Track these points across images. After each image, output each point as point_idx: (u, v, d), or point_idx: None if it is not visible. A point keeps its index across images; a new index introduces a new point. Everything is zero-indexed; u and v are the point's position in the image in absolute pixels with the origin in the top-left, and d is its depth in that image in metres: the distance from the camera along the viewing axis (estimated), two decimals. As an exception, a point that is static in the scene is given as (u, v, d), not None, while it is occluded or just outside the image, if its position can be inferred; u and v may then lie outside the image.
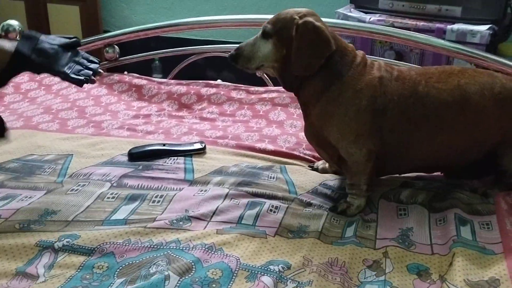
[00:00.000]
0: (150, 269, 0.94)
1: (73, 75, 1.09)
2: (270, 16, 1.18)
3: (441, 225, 1.13)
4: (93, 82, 1.14)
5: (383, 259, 1.03)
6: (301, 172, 1.34)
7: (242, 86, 1.82)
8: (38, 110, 1.67)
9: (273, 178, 1.28)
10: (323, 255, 1.03)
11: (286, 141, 1.49)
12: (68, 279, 0.93)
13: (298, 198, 1.20)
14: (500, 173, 1.23)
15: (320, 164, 1.38)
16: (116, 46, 1.98)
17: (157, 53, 2.06)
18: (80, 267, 0.96)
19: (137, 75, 1.96)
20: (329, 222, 1.14)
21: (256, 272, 0.95)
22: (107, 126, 1.57)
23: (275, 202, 1.17)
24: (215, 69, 3.13)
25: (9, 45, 1.08)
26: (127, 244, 1.01)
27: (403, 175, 1.32)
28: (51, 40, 1.11)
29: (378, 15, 2.36)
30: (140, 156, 1.36)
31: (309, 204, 1.19)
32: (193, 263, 0.96)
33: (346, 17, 2.36)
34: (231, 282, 0.92)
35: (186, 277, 0.92)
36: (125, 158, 1.37)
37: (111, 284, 0.91)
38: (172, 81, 1.90)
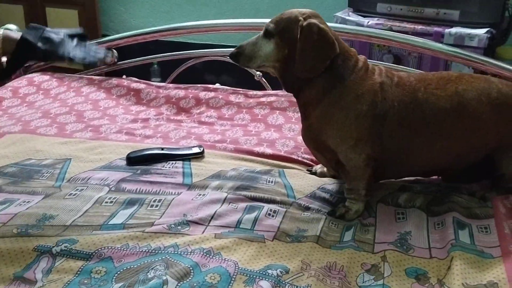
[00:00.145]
0: (148, 273, 0.94)
1: (78, 60, 1.10)
2: (268, 20, 1.18)
3: (439, 228, 1.13)
4: (97, 65, 1.15)
5: (381, 263, 1.03)
6: (299, 176, 1.34)
7: (240, 90, 1.82)
8: (36, 114, 1.67)
9: (272, 182, 1.28)
10: (322, 259, 1.03)
11: (284, 145, 1.49)
12: (66, 284, 0.93)
13: (297, 202, 1.20)
14: (497, 177, 1.23)
15: (318, 168, 1.38)
16: (114, 50, 1.99)
17: (156, 57, 2.06)
18: (78, 272, 0.95)
19: (136, 79, 1.96)
20: (328, 226, 1.14)
21: (254, 276, 0.95)
22: (105, 130, 1.57)
23: (274, 206, 1.17)
24: (214, 73, 3.13)
25: (15, 34, 1.09)
26: (125, 249, 1.00)
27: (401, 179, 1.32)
28: (56, 30, 1.12)
29: (376, 18, 2.37)
30: (138, 161, 1.36)
31: (307, 208, 1.19)
32: (191, 268, 0.95)
33: (344, 21, 2.37)
34: (229, 287, 0.92)
35: (184, 281, 0.92)
36: (123, 163, 1.36)
37: (109, 289, 0.91)
38: (171, 85, 1.90)
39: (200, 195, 1.21)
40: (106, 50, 1.17)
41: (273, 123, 1.63)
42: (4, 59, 1.73)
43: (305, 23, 1.12)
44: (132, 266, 0.97)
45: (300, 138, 1.47)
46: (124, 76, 2.00)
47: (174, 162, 1.37)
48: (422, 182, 1.31)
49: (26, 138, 1.50)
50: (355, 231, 1.13)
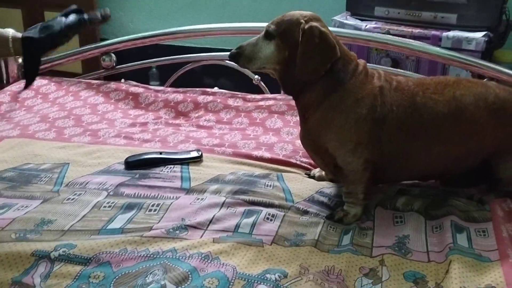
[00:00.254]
0: (146, 278, 0.94)
1: (71, 22, 1.13)
2: (266, 24, 1.18)
3: (437, 232, 1.13)
4: (98, 21, 1.16)
5: (379, 267, 1.04)
6: (297, 179, 1.34)
7: (238, 94, 1.83)
8: (34, 118, 1.67)
9: (270, 186, 1.28)
10: (320, 263, 1.03)
11: (282, 149, 1.49)
12: (64, 289, 0.93)
13: (295, 206, 1.21)
14: (495, 181, 1.23)
15: (316, 171, 1.38)
16: (112, 55, 1.99)
17: (154, 61, 2.06)
18: (77, 277, 0.95)
19: (134, 82, 1.96)
20: (326, 230, 1.14)
21: (252, 281, 0.95)
22: (104, 135, 1.57)
23: (272, 210, 1.17)
24: (212, 76, 3.13)
25: (17, 35, 1.13)
26: (123, 254, 1.00)
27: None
28: (51, 19, 1.16)
29: (374, 22, 2.37)
30: (137, 165, 1.36)
31: (305, 212, 1.19)
32: (189, 272, 0.95)
33: (342, 25, 2.37)
34: (228, 291, 0.92)
35: (183, 286, 0.92)
36: (122, 167, 1.36)
37: (107, 294, 0.91)
38: (169, 89, 1.90)
39: (198, 199, 1.21)
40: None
41: (272, 127, 1.64)
42: (19, 60, 1.74)
43: (306, 26, 1.12)
44: (130, 271, 0.97)
45: (298, 142, 1.47)
46: (122, 80, 2.00)
47: (172, 166, 1.37)
48: (420, 186, 1.31)
49: (25, 143, 1.50)
50: (353, 235, 1.13)
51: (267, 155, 1.45)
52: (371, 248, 1.09)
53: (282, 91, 1.84)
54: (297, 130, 1.56)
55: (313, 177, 1.37)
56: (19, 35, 1.13)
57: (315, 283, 0.96)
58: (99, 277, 0.95)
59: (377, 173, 1.19)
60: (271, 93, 1.91)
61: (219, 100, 1.78)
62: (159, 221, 1.12)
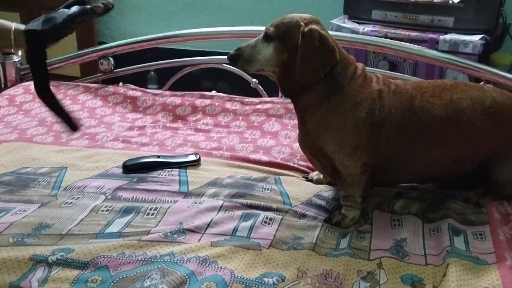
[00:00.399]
0: (144, 282, 0.94)
1: (74, 12, 1.12)
2: (264, 28, 1.18)
3: (434, 235, 1.13)
4: (101, 10, 1.16)
5: (377, 270, 1.04)
6: (295, 183, 1.34)
7: (236, 97, 1.83)
8: (32, 122, 1.67)
9: (268, 189, 1.28)
10: (318, 266, 1.03)
11: (280, 152, 1.50)
12: (62, 293, 0.93)
13: (293, 210, 1.21)
14: (492, 184, 1.24)
15: (314, 175, 1.39)
16: (111, 58, 1.99)
17: (152, 64, 2.07)
18: (74, 281, 0.95)
19: (132, 86, 1.97)
20: (324, 233, 1.14)
21: (250, 285, 0.95)
22: (102, 138, 1.57)
23: (270, 214, 1.17)
24: (211, 79, 3.14)
25: (23, 27, 1.12)
26: (121, 258, 1.00)
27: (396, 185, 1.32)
28: (54, 11, 1.16)
29: (372, 25, 2.38)
30: (135, 168, 1.36)
31: (303, 216, 1.20)
32: (187, 276, 0.95)
33: (340, 28, 2.38)
34: (226, 295, 0.92)
35: (180, 290, 0.92)
36: (120, 171, 1.37)
37: (105, 298, 0.91)
38: (167, 92, 1.91)
39: (196, 203, 1.21)
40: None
41: (269, 130, 1.64)
42: (19, 53, 1.73)
43: (306, 29, 1.12)
44: (128, 275, 0.96)
45: (296, 145, 1.47)
46: (120, 83, 2.00)
47: (170, 170, 1.37)
48: (418, 189, 1.31)
49: (22, 147, 1.50)
50: (351, 238, 1.13)
51: (265, 158, 1.45)
52: (369, 252, 1.09)
53: (280, 94, 1.87)
54: (294, 134, 1.57)
55: (311, 180, 1.38)
56: (22, 27, 1.12)
57: (313, 286, 0.96)
58: (97, 281, 0.95)
59: (375, 176, 1.20)
60: (269, 96, 1.92)
61: (217, 104, 1.79)
62: (157, 225, 1.12)
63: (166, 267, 0.98)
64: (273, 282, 0.96)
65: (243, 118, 1.71)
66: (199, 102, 1.80)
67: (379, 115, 1.14)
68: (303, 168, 1.43)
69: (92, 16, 1.15)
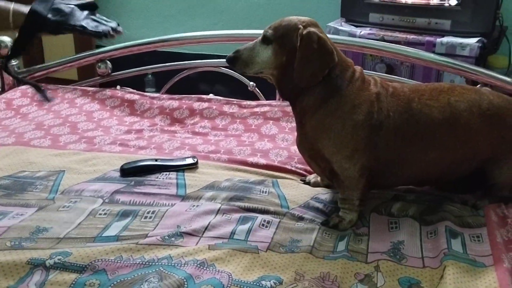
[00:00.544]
0: (142, 286, 0.94)
1: (90, 28, 1.09)
2: (261, 31, 1.19)
3: (432, 238, 1.13)
4: (112, 37, 1.14)
5: (374, 273, 1.04)
6: (293, 186, 1.34)
7: (234, 101, 1.83)
8: (30, 126, 1.67)
9: (265, 192, 1.28)
10: (315, 269, 1.03)
11: (278, 155, 1.50)
12: (60, 297, 0.93)
13: (290, 213, 1.21)
14: (489, 187, 1.24)
15: (312, 177, 1.39)
16: (108, 62, 1.99)
17: (149, 68, 2.07)
18: (72, 285, 0.95)
19: (130, 89, 1.97)
20: (321, 236, 1.14)
21: (248, 288, 0.95)
22: (99, 142, 1.57)
23: (267, 217, 1.17)
24: (208, 82, 3.14)
25: (25, 8, 1.09)
26: (119, 261, 1.00)
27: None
28: (66, 1, 1.12)
29: (369, 28, 2.39)
30: (132, 172, 1.36)
31: (301, 218, 1.20)
32: (185, 280, 0.95)
33: (337, 31, 2.39)
34: (223, 298, 0.92)
35: (178, 293, 0.92)
36: (117, 174, 1.36)
37: (103, 302, 0.91)
38: (164, 95, 1.91)
39: (194, 206, 1.21)
40: (116, 22, 1.17)
41: (267, 133, 1.64)
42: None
43: (305, 32, 1.12)
44: (126, 279, 0.96)
45: (293, 148, 1.48)
46: (118, 87, 2.00)
47: (168, 173, 1.37)
48: (415, 192, 1.32)
49: (20, 150, 1.50)
50: (348, 241, 1.13)
51: (262, 161, 1.46)
52: (366, 254, 1.09)
53: (277, 97, 1.87)
54: (292, 137, 1.57)
55: (308, 183, 1.38)
56: (22, 9, 1.10)
57: (311, 289, 0.97)
58: (95, 285, 0.95)
59: (373, 179, 1.20)
60: (266, 99, 1.92)
61: (214, 107, 1.79)
62: (155, 228, 1.12)
63: (164, 271, 0.98)
64: (271, 285, 0.96)
65: (240, 121, 1.72)
66: (196, 105, 1.80)
67: (377, 118, 1.15)
68: (301, 171, 1.43)
69: (101, 38, 1.14)
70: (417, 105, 1.17)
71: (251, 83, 1.94)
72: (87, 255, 1.01)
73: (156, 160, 1.42)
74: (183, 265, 1.00)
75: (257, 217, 1.16)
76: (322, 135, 1.17)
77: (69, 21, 1.09)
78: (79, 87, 1.99)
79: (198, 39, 1.98)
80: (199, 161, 1.43)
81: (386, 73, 2.24)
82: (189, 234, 1.09)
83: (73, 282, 0.95)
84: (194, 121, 1.73)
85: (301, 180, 1.40)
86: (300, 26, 1.14)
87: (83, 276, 0.97)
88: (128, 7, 3.33)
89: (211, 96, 1.90)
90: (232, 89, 2.11)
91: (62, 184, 1.31)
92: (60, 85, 1.99)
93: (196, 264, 0.99)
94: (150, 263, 1.00)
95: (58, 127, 1.66)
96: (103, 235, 1.10)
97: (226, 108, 1.78)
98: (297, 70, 1.13)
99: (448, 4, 2.29)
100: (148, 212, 1.18)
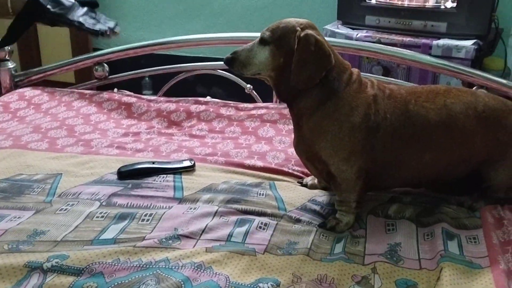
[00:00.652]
0: (139, 288, 0.94)
1: (87, 25, 1.09)
2: (259, 34, 1.19)
3: (428, 239, 1.14)
4: (108, 37, 1.13)
5: (371, 275, 1.04)
6: (290, 188, 1.35)
7: (231, 103, 1.84)
8: (27, 129, 1.67)
9: (262, 194, 1.29)
10: (312, 272, 1.03)
11: (275, 157, 1.50)
12: (57, 300, 0.93)
13: (287, 215, 1.21)
14: (485, 188, 1.24)
15: (309, 180, 1.39)
16: (105, 65, 1.99)
17: (147, 71, 2.07)
18: (69, 288, 0.95)
19: (127, 92, 1.97)
20: (318, 238, 1.14)
21: (245, 290, 0.95)
22: (97, 145, 1.57)
23: (264, 219, 1.17)
24: (205, 85, 3.14)
25: None
26: (116, 264, 1.00)
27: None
28: None
29: (365, 31, 2.40)
30: (130, 175, 1.36)
31: (298, 221, 1.20)
32: (182, 282, 0.96)
33: (333, 34, 2.40)
34: (221, 301, 0.93)
35: (175, 296, 0.92)
36: (115, 177, 1.37)
37: (100, 305, 0.91)
38: (162, 98, 1.91)
39: (191, 208, 1.21)
40: (115, 21, 1.16)
41: (264, 135, 1.64)
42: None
43: (302, 34, 1.13)
44: (123, 281, 0.96)
45: (290, 150, 1.48)
46: (115, 89, 2.00)
47: (165, 175, 1.37)
48: (412, 194, 1.32)
49: (17, 153, 1.50)
50: (345, 243, 1.13)
51: (259, 163, 1.46)
52: (363, 256, 1.09)
53: (274, 99, 1.88)
54: (289, 139, 1.57)
55: (305, 186, 1.38)
56: None
57: (308, 291, 0.97)
58: (92, 287, 0.95)
59: (370, 181, 1.20)
60: (263, 102, 1.92)
61: (211, 109, 1.79)
62: (152, 231, 1.12)
63: (161, 273, 0.98)
64: (268, 287, 0.96)
65: (237, 123, 1.72)
66: (193, 108, 1.81)
67: (374, 120, 1.15)
68: (298, 173, 1.44)
69: (97, 36, 1.14)
70: (414, 107, 1.18)
71: (248, 85, 1.94)
72: (85, 258, 1.01)
73: (153, 162, 1.42)
74: (180, 267, 1.00)
75: (254, 219, 1.17)
76: (319, 137, 1.17)
77: (67, 15, 1.09)
78: (76, 90, 1.99)
79: (195, 42, 1.98)
80: (196, 163, 1.43)
81: (382, 75, 2.25)
82: (187, 236, 1.10)
83: (71, 285, 0.95)
84: (191, 124, 1.73)
85: (298, 182, 1.40)
86: (298, 28, 1.14)
87: (81, 279, 0.97)
88: (125, 10, 3.33)
89: (208, 98, 1.90)
90: (229, 91, 2.11)
91: (59, 187, 1.31)
92: (57, 88, 1.99)
93: (193, 267, 1.00)
94: (148, 266, 1.00)
95: (55, 130, 1.66)
96: (100, 238, 1.10)
97: (223, 111, 1.79)
98: (295, 72, 1.13)
99: (444, 7, 2.30)
100: (145, 215, 1.18)
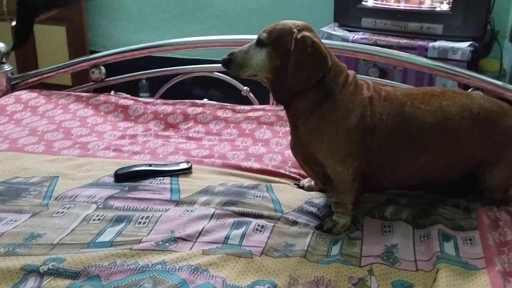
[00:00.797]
0: (136, 291, 0.94)
1: None
2: (255, 36, 1.19)
3: (425, 241, 1.14)
4: None
5: (368, 277, 1.04)
6: (287, 190, 1.35)
7: (228, 105, 1.84)
8: (23, 132, 1.67)
9: (259, 197, 1.29)
10: (309, 274, 1.03)
11: (272, 159, 1.50)
12: (53, 304, 0.93)
13: (284, 217, 1.21)
14: (481, 190, 1.25)
15: (306, 182, 1.39)
16: (102, 67, 1.99)
17: (143, 73, 2.07)
18: (66, 291, 0.95)
19: (124, 94, 1.97)
20: (315, 240, 1.14)
21: (242, 292, 0.95)
22: (93, 147, 1.57)
23: (261, 221, 1.17)
24: (202, 87, 3.14)
25: None
26: (112, 267, 1.00)
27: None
28: None
29: (362, 33, 2.40)
30: (126, 177, 1.36)
31: (295, 223, 1.20)
32: (179, 285, 0.96)
33: (330, 36, 2.40)
34: (217, 303, 0.93)
35: (172, 299, 0.92)
36: (111, 179, 1.36)
37: (97, 308, 0.91)
38: (158, 101, 1.91)
39: (188, 211, 1.21)
40: None
41: (261, 137, 1.65)
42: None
43: (299, 35, 1.13)
44: (119, 284, 0.96)
45: (287, 152, 1.48)
46: (112, 92, 2.00)
47: (162, 178, 1.37)
48: (408, 195, 1.32)
49: (14, 156, 1.49)
50: (342, 245, 1.13)
51: (256, 165, 1.46)
52: (360, 258, 1.09)
53: (271, 102, 1.88)
54: (286, 141, 1.58)
55: (302, 188, 1.38)
56: None
57: (305, 293, 0.97)
58: (89, 290, 0.95)
59: (366, 183, 1.21)
60: (260, 104, 1.93)
61: (208, 112, 1.79)
62: (149, 233, 1.12)
63: (158, 276, 0.98)
64: (265, 289, 0.96)
65: (234, 125, 1.72)
66: (190, 110, 1.81)
67: (370, 122, 1.15)
68: (295, 175, 1.44)
69: None
70: (410, 108, 1.18)
71: (245, 88, 1.94)
72: (81, 261, 1.01)
73: (150, 165, 1.42)
74: (177, 270, 1.00)
75: (251, 221, 1.17)
76: (316, 139, 1.17)
77: None
78: (73, 93, 1.99)
79: (193, 44, 1.99)
80: (193, 166, 1.43)
81: (379, 77, 2.25)
82: (183, 239, 1.10)
83: (67, 288, 0.95)
84: (188, 126, 1.74)
85: (295, 184, 1.40)
86: (295, 30, 1.14)
87: (77, 282, 0.97)
88: (122, 12, 3.33)
89: (205, 101, 1.91)
90: (226, 94, 2.12)
91: (56, 190, 1.31)
92: (54, 91, 1.99)
93: (190, 269, 1.00)
94: (144, 269, 1.00)
95: (52, 133, 1.66)
96: (97, 240, 1.10)
97: (220, 113, 1.79)
98: (291, 74, 1.13)
99: (440, 9, 2.31)
100: (142, 218, 1.18)
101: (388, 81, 1.95)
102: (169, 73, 2.02)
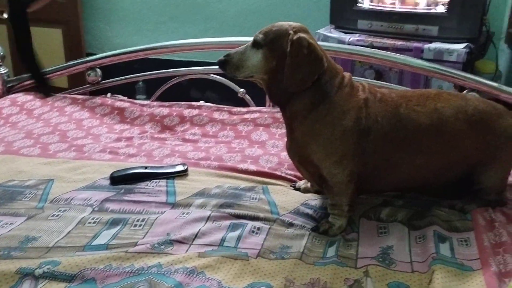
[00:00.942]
0: (131, 294, 0.94)
1: None
2: (252, 38, 1.19)
3: (420, 242, 1.14)
4: None
5: (364, 278, 1.04)
6: (283, 192, 1.35)
7: (224, 107, 1.84)
8: (19, 135, 1.66)
9: (255, 199, 1.29)
10: (305, 275, 1.03)
11: (268, 161, 1.50)
12: (49, 307, 0.92)
13: (280, 219, 1.21)
14: (476, 191, 1.25)
15: (302, 183, 1.39)
16: (98, 69, 1.99)
17: (140, 75, 2.07)
18: (61, 294, 0.95)
19: (120, 96, 1.97)
20: (311, 242, 1.14)
21: (237, 294, 0.95)
22: (89, 150, 1.57)
23: (257, 223, 1.18)
24: (199, 89, 3.14)
25: None
26: (108, 270, 1.00)
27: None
28: None
29: (358, 35, 2.41)
30: (122, 180, 1.36)
31: (291, 225, 1.20)
32: None
33: (326, 38, 2.41)
34: (213, 306, 0.92)
35: (168, 301, 0.92)
36: (107, 182, 1.36)
37: (92, 311, 0.91)
38: (155, 103, 1.91)
39: (183, 213, 1.21)
40: None
41: (257, 139, 1.65)
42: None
43: (295, 37, 1.13)
44: (115, 287, 0.96)
45: (283, 154, 1.48)
46: (108, 94, 2.00)
47: (157, 180, 1.37)
48: (404, 197, 1.32)
49: (9, 159, 1.49)
50: (338, 246, 1.13)
51: (252, 167, 1.46)
52: (355, 260, 1.10)
53: (267, 104, 1.88)
54: (282, 143, 1.58)
55: (298, 189, 1.38)
56: None
57: (300, 295, 0.97)
58: (84, 294, 0.95)
59: (361, 185, 1.21)
60: (256, 106, 1.93)
61: (204, 114, 1.79)
62: (144, 236, 1.12)
63: (154, 279, 0.98)
64: (261, 291, 0.96)
65: (230, 127, 1.72)
66: (186, 112, 1.81)
67: (365, 124, 1.16)
68: (291, 177, 1.44)
69: None
70: (405, 110, 1.19)
71: (241, 89, 1.94)
72: (77, 264, 1.01)
73: (146, 167, 1.41)
74: (172, 273, 1.00)
75: (247, 223, 1.17)
76: (312, 141, 1.17)
77: None
78: (69, 95, 1.98)
79: (189, 47, 1.99)
80: (189, 168, 1.43)
81: (375, 79, 2.26)
82: (179, 241, 1.09)
83: (62, 291, 0.95)
84: (184, 128, 1.73)
85: (291, 186, 1.40)
86: (291, 31, 1.14)
87: (73, 285, 0.97)
88: (119, 15, 3.33)
89: (201, 103, 1.91)
90: (222, 96, 2.12)
91: (52, 193, 1.31)
92: (50, 93, 1.98)
93: (185, 272, 0.99)
94: (140, 272, 1.00)
95: (47, 136, 1.66)
96: (92, 243, 1.09)
97: (216, 115, 1.79)
98: (287, 75, 1.13)
99: (435, 10, 2.31)
100: (137, 220, 1.17)
101: (384, 83, 1.96)
102: (166, 75, 2.02)
